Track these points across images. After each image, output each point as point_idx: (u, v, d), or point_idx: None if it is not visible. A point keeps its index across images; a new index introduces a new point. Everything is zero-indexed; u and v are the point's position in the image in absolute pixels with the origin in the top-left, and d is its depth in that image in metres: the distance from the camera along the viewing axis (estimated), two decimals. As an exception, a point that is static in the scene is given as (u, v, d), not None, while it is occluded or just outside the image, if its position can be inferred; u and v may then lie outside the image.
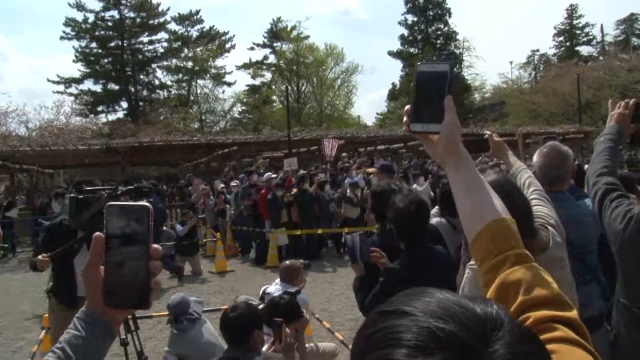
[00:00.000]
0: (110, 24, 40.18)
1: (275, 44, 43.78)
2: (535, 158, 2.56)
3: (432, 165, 13.18)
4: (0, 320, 6.97)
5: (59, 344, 0.84)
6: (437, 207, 3.94)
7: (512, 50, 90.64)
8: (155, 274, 0.85)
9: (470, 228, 0.95)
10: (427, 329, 0.55)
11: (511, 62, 62.32)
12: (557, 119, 30.54)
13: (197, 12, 42.65)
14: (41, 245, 3.96)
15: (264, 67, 44.02)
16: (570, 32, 46.21)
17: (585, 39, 46.37)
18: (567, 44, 46.22)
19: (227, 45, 43.39)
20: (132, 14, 40.61)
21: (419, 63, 0.99)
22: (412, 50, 45.05)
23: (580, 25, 46.13)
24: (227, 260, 10.04)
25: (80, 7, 38.99)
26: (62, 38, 39.64)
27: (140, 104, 41.74)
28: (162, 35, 42.12)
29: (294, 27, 42.79)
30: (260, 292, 4.17)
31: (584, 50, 45.80)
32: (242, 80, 78.90)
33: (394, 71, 58.08)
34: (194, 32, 42.96)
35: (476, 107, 43.47)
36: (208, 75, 42.65)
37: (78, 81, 39.83)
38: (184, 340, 3.81)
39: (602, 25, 46.36)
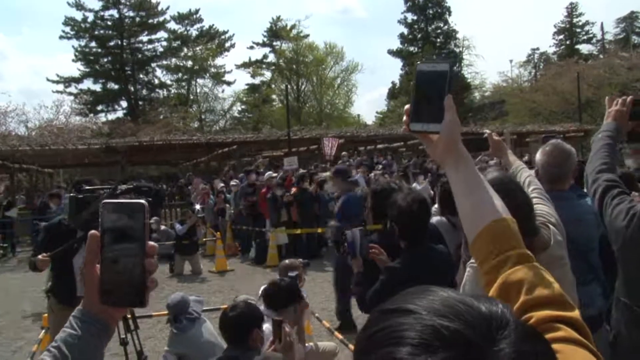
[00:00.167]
0: (109, 23, 40.17)
1: (274, 43, 43.79)
2: (538, 156, 2.55)
3: (431, 164, 13.19)
4: (0, 319, 6.97)
5: (55, 343, 0.83)
6: (436, 205, 3.94)
7: (512, 48, 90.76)
8: (151, 271, 0.84)
9: (470, 228, 0.95)
10: (431, 327, 0.54)
11: (511, 61, 62.24)
12: (557, 118, 30.54)
13: (197, 11, 42.69)
14: (41, 245, 3.95)
15: (264, 66, 44.05)
16: (570, 31, 46.18)
17: (585, 37, 46.35)
18: (567, 42, 46.19)
19: (227, 44, 43.45)
20: (131, 13, 40.61)
21: (418, 62, 0.99)
22: (411, 48, 45.04)
23: (580, 23, 46.12)
24: (226, 259, 10.05)
25: (79, 7, 39.00)
26: (61, 37, 39.70)
27: (140, 103, 41.74)
28: (162, 34, 42.21)
29: (293, 26, 42.85)
30: (260, 292, 4.17)
31: (584, 48, 45.86)
32: (241, 80, 79.18)
33: (394, 70, 58.01)
34: (193, 31, 43.02)
35: (476, 105, 43.48)
36: (208, 75, 42.67)
37: (77, 80, 39.86)
38: (183, 340, 3.81)
39: (602, 24, 46.50)
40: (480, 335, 0.54)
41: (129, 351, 3.46)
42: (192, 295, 4.36)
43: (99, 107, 40.45)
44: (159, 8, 41.16)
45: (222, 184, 13.14)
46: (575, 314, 0.79)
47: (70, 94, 38.79)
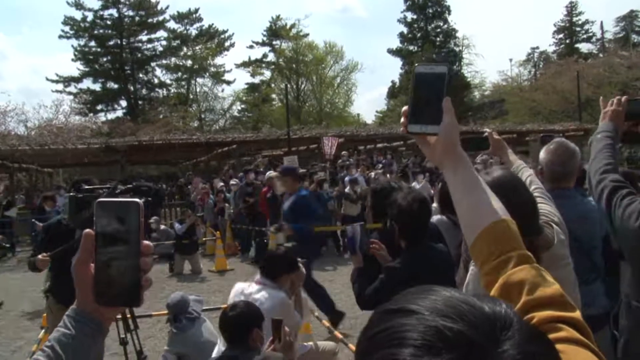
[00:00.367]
0: (109, 22, 40.17)
1: (274, 42, 43.79)
2: (541, 154, 2.54)
3: (430, 163, 13.19)
4: (-1, 319, 6.97)
5: (49, 343, 0.82)
6: (434, 203, 3.93)
7: (511, 47, 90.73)
8: (146, 270, 0.83)
9: (469, 230, 0.94)
10: (434, 327, 0.53)
11: (511, 60, 61.82)
12: (557, 117, 30.55)
13: (196, 10, 42.69)
14: (40, 245, 3.95)
15: (264, 65, 44.06)
16: (570, 30, 46.18)
17: (585, 36, 46.37)
18: (567, 41, 46.19)
19: (227, 44, 43.45)
20: (131, 13, 40.62)
21: (416, 64, 0.99)
22: (411, 48, 45.03)
23: (580, 22, 46.12)
24: (226, 259, 10.04)
25: (79, 6, 39.00)
26: (61, 37, 39.72)
27: (140, 102, 41.76)
28: (161, 33, 42.23)
29: (293, 25, 42.87)
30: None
31: (584, 47, 45.88)
32: (241, 79, 78.96)
33: (394, 69, 58.15)
34: (193, 31, 43.04)
35: (476, 104, 43.48)
36: (207, 74, 42.69)
37: (77, 80, 39.87)
38: (183, 339, 3.80)
39: (601, 23, 46.46)
40: (484, 336, 0.53)
41: (129, 351, 3.46)
42: (191, 294, 4.36)
43: (99, 107, 40.46)
44: (159, 7, 41.22)
45: (221, 184, 13.14)
46: (577, 314, 0.79)
47: (69, 93, 38.85)
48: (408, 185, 4.46)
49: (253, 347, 2.64)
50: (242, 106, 44.09)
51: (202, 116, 42.21)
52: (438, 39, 45.03)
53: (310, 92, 43.48)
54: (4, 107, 25.34)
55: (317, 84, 42.93)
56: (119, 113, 40.88)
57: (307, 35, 43.11)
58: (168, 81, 43.04)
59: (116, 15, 40.09)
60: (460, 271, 2.18)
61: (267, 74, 44.34)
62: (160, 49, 42.21)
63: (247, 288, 3.31)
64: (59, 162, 20.26)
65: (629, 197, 1.83)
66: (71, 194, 3.61)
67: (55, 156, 17.43)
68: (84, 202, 3.41)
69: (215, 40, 43.00)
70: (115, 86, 41.38)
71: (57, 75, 39.46)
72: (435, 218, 3.27)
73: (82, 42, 40.00)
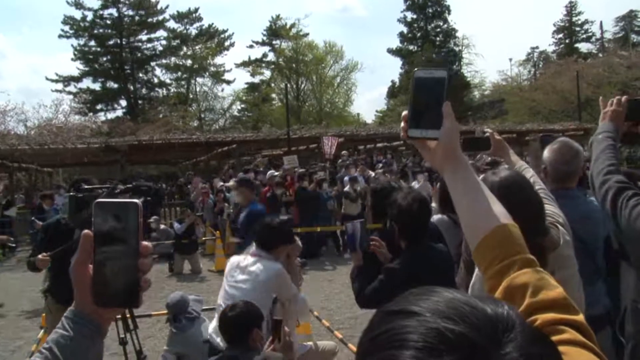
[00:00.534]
0: (109, 22, 40.15)
1: (274, 42, 43.78)
2: (545, 154, 2.53)
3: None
4: (-1, 319, 6.96)
5: (47, 344, 0.82)
6: (433, 203, 3.92)
7: (511, 47, 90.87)
8: (145, 271, 0.83)
9: (472, 235, 0.94)
10: (435, 329, 0.53)
11: (510, 60, 61.78)
12: (557, 116, 30.56)
13: (196, 10, 42.68)
14: (40, 245, 3.93)
15: (263, 65, 44.04)
16: (570, 29, 46.20)
17: (584, 36, 46.38)
18: (567, 41, 46.21)
19: (226, 43, 43.42)
20: (130, 12, 40.59)
21: (415, 69, 0.99)
22: (411, 47, 45.03)
23: (579, 22, 46.14)
24: (226, 258, 10.00)
25: (78, 5, 38.97)
26: (60, 36, 39.67)
27: (139, 102, 41.74)
28: (161, 33, 42.19)
29: (293, 25, 42.84)
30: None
31: (584, 47, 45.91)
32: (241, 78, 78.94)
33: (394, 69, 58.23)
34: (192, 30, 43.02)
35: (475, 104, 43.50)
36: (207, 73, 42.68)
37: (77, 79, 39.84)
38: (183, 339, 3.80)
39: (601, 22, 46.49)
40: (486, 338, 0.53)
41: (129, 351, 3.45)
42: (191, 294, 4.36)
43: (98, 106, 40.43)
44: (158, 7, 41.18)
45: (221, 183, 13.13)
46: (580, 317, 0.78)
47: (69, 93, 38.79)
48: (408, 185, 4.46)
49: (253, 347, 2.63)
50: (242, 106, 44.09)
51: (202, 116, 42.20)
52: (438, 38, 45.03)
53: (310, 92, 43.48)
54: (4, 107, 25.34)
55: (317, 83, 42.93)
56: (119, 113, 40.91)
57: (307, 35, 43.18)
58: (168, 81, 43.08)
59: (116, 14, 40.06)
60: (461, 271, 2.17)
61: (267, 73, 44.39)
62: (160, 48, 42.23)
63: (243, 261, 3.28)
64: (58, 162, 20.24)
65: (635, 198, 1.81)
66: (71, 193, 3.61)
67: (54, 156, 17.41)
68: (83, 201, 3.40)
69: (215, 39, 42.98)
70: (115, 86, 41.36)
71: (56, 74, 39.51)
72: (435, 217, 3.26)
73: (81, 42, 40.02)
